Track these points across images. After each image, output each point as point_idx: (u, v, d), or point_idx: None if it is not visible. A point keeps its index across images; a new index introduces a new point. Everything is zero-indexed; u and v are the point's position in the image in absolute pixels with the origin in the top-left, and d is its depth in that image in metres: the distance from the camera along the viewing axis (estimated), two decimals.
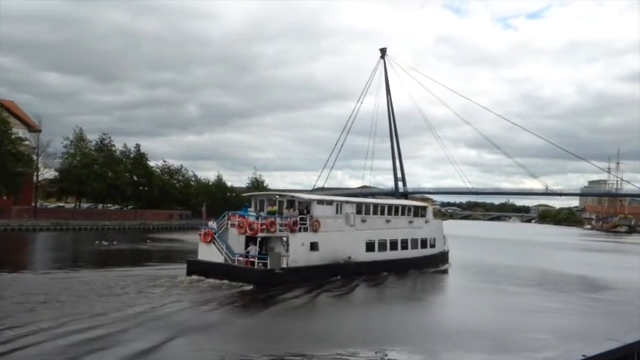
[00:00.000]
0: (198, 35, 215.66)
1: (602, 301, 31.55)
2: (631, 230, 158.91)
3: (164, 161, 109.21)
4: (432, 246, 43.97)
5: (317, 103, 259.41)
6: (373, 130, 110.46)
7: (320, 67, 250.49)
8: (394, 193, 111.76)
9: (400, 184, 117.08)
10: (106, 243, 54.03)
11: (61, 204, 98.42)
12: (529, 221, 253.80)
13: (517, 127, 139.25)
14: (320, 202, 35.64)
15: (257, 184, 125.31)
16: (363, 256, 36.10)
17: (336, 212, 35.56)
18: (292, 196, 35.88)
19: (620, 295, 34.27)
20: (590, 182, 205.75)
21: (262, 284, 28.80)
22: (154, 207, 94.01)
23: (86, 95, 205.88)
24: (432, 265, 42.31)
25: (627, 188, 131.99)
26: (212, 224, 33.02)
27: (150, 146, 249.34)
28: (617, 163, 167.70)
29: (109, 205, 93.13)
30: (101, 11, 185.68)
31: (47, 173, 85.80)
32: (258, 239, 30.73)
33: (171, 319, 21.00)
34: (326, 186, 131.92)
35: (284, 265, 30.67)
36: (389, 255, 38.42)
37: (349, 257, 34.67)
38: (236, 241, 31.55)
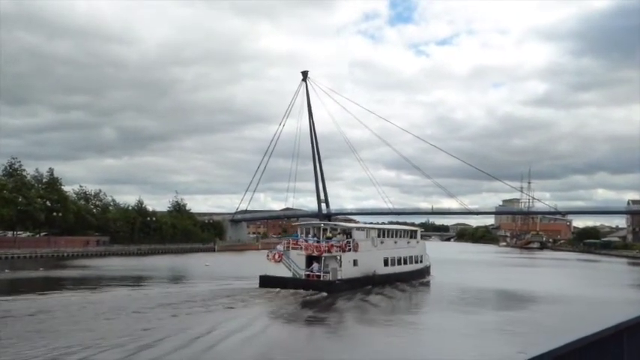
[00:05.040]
0: (114, 59, 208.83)
1: (523, 315, 33.48)
2: (542, 246, 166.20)
3: (80, 186, 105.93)
4: (421, 261, 53.63)
5: (237, 126, 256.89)
6: (296, 152, 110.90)
7: (240, 91, 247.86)
8: (318, 215, 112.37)
9: (323, 205, 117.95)
10: None
11: None
12: (448, 240, 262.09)
13: (433, 148, 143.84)
14: (358, 228, 47.14)
15: (179, 208, 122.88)
16: (382, 269, 45.30)
17: (366, 236, 45.51)
18: (335, 225, 47.75)
19: (539, 309, 36.63)
20: (504, 201, 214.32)
21: (329, 292, 37.64)
22: (69, 233, 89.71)
23: None
24: (422, 276, 51.78)
25: (538, 206, 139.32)
26: (280, 247, 42.63)
27: (65, 170, 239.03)
28: (529, 183, 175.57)
29: (19, 233, 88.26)
30: (13, 33, 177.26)
31: None
32: (323, 258, 39.30)
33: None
34: (249, 208, 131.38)
35: (339, 277, 39.53)
36: (397, 269, 47.83)
37: (374, 271, 43.68)
38: (296, 259, 39.96)
